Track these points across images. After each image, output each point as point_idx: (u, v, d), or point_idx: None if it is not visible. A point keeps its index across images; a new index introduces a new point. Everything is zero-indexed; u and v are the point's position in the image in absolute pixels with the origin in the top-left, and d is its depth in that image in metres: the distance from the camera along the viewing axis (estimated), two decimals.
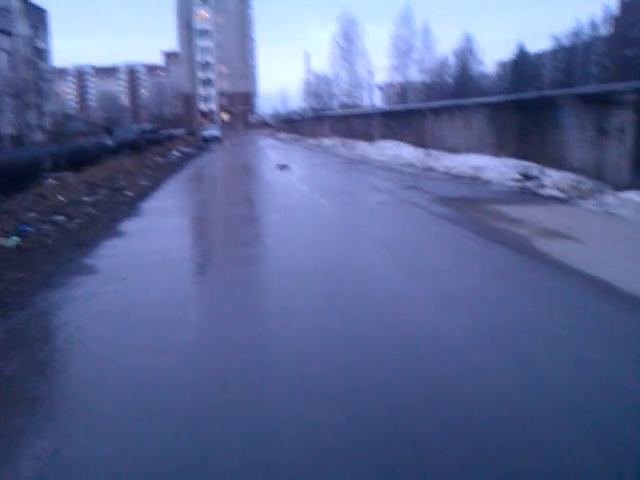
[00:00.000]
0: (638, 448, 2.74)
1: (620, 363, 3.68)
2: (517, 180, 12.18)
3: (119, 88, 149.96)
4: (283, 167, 18.94)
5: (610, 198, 9.23)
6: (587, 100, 11.86)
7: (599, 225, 8.06)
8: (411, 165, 18.03)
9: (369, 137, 28.08)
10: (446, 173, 15.12)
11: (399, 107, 34.86)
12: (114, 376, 3.75)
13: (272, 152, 31.51)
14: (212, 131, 52.05)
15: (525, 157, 13.57)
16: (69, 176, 14.34)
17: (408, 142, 22.42)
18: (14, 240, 7.92)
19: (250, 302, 5.47)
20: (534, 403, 3.18)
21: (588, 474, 2.57)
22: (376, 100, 73.32)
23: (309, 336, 4.36)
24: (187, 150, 33.57)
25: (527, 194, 10.98)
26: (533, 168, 12.31)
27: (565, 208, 9.42)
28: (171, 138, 44.81)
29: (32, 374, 3.92)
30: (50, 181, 13.38)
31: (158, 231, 9.33)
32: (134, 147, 27.43)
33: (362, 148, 25.82)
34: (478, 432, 2.93)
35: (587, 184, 10.17)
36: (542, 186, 11.28)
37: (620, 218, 8.25)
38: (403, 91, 79.73)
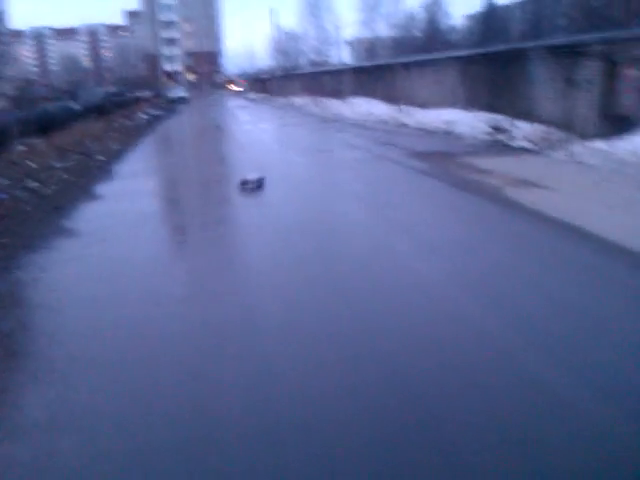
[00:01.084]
0: (611, 371, 2.99)
1: (590, 299, 3.92)
2: (488, 133, 12.38)
3: (80, 50, 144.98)
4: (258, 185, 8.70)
5: (579, 148, 9.49)
6: (556, 52, 12.00)
7: (568, 174, 8.30)
8: (384, 122, 18.08)
9: (340, 94, 27.92)
10: (419, 129, 15.23)
11: (369, 63, 34.50)
12: (110, 330, 3.87)
13: (242, 112, 31.12)
14: (178, 92, 51.15)
15: (496, 110, 13.73)
16: (39, 143, 14.07)
17: (380, 98, 22.39)
18: None
19: (234, 257, 5.59)
20: (511, 336, 3.41)
21: (568, 398, 2.80)
22: (345, 57, 72.37)
23: (295, 283, 4.53)
24: (154, 112, 32.90)
25: (499, 146, 11.19)
26: (504, 121, 12.50)
27: (535, 159, 9.65)
28: (137, 100, 43.79)
29: (28, 331, 4.02)
30: (20, 148, 13.11)
31: (134, 194, 9.30)
32: (101, 111, 26.84)
33: (334, 106, 25.70)
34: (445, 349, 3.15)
35: (556, 135, 10.41)
36: (513, 138, 11.50)
37: (588, 166, 8.52)
38: (372, 47, 78.79)
